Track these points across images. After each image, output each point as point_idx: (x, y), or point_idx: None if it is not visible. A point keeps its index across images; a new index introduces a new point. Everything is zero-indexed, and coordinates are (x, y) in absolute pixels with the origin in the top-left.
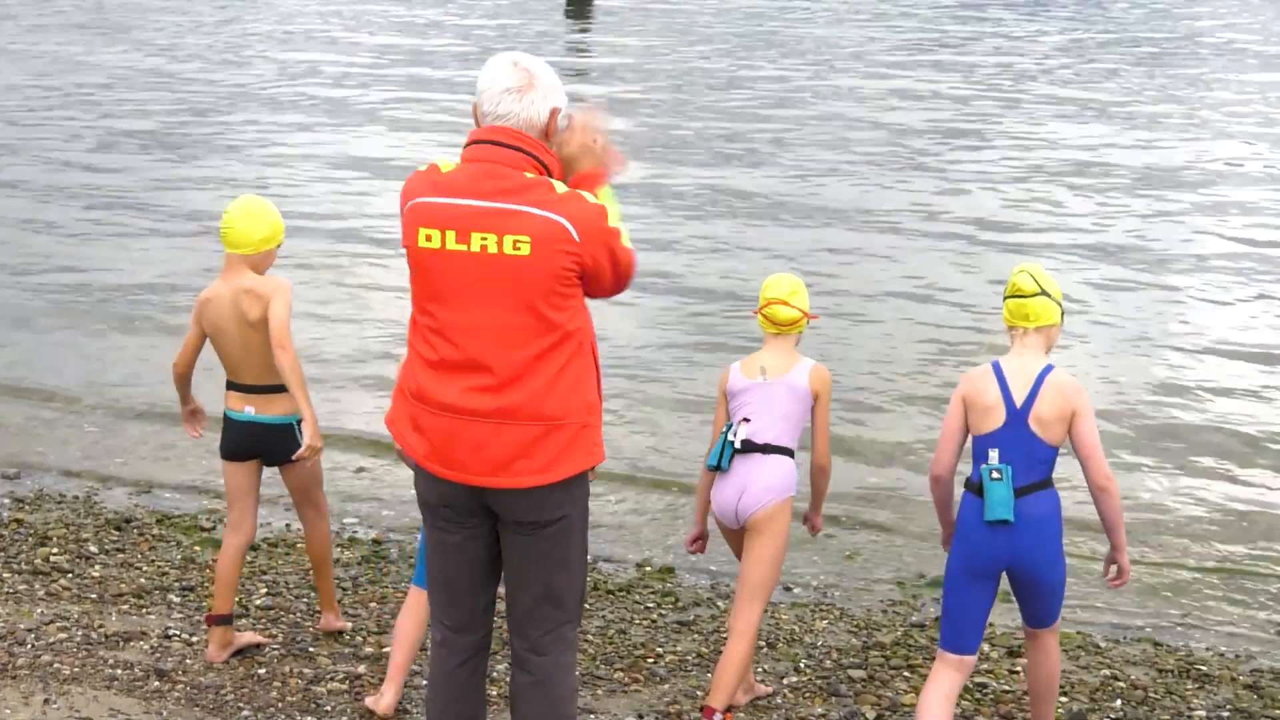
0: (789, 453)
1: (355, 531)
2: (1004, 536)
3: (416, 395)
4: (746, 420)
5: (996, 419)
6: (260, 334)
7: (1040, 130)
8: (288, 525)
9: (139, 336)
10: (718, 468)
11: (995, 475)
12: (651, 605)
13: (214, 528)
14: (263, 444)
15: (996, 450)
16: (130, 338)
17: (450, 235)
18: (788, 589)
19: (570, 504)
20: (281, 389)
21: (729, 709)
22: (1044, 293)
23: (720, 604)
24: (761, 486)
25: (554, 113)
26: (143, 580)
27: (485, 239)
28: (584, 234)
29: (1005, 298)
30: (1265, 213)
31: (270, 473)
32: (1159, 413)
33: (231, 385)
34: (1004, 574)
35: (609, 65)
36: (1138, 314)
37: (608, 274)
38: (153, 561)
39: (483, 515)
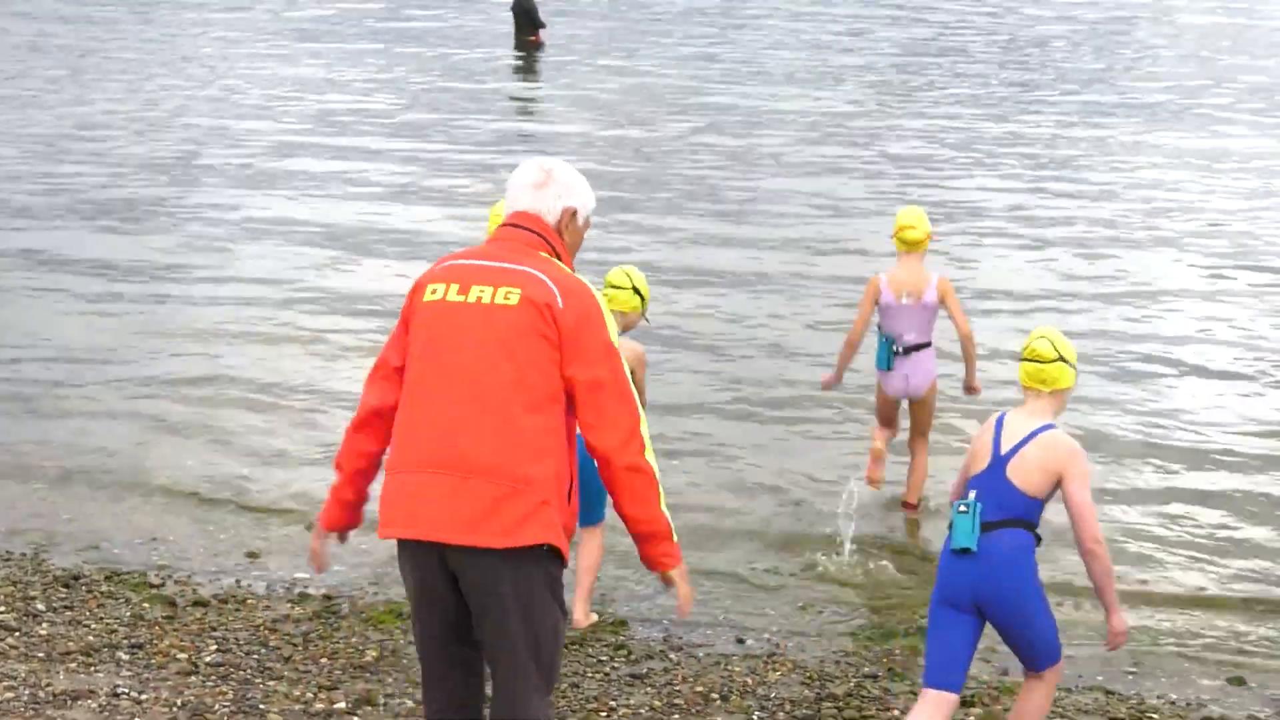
0: (928, 345)
1: (306, 587)
2: (969, 566)
3: (394, 465)
4: (904, 332)
5: (982, 463)
6: None
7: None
8: (237, 581)
9: (85, 396)
10: (887, 367)
11: (962, 509)
12: (604, 658)
13: (163, 584)
14: None
15: (975, 491)
16: (76, 398)
17: (454, 288)
18: (740, 640)
19: (534, 572)
20: None
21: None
22: (1061, 359)
23: (673, 656)
24: (921, 376)
25: (566, 211)
26: (91, 638)
27: (482, 291)
28: (568, 301)
29: (1022, 359)
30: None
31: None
32: (1115, 465)
33: None
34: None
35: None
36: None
37: (589, 349)
38: (101, 619)
39: (450, 588)
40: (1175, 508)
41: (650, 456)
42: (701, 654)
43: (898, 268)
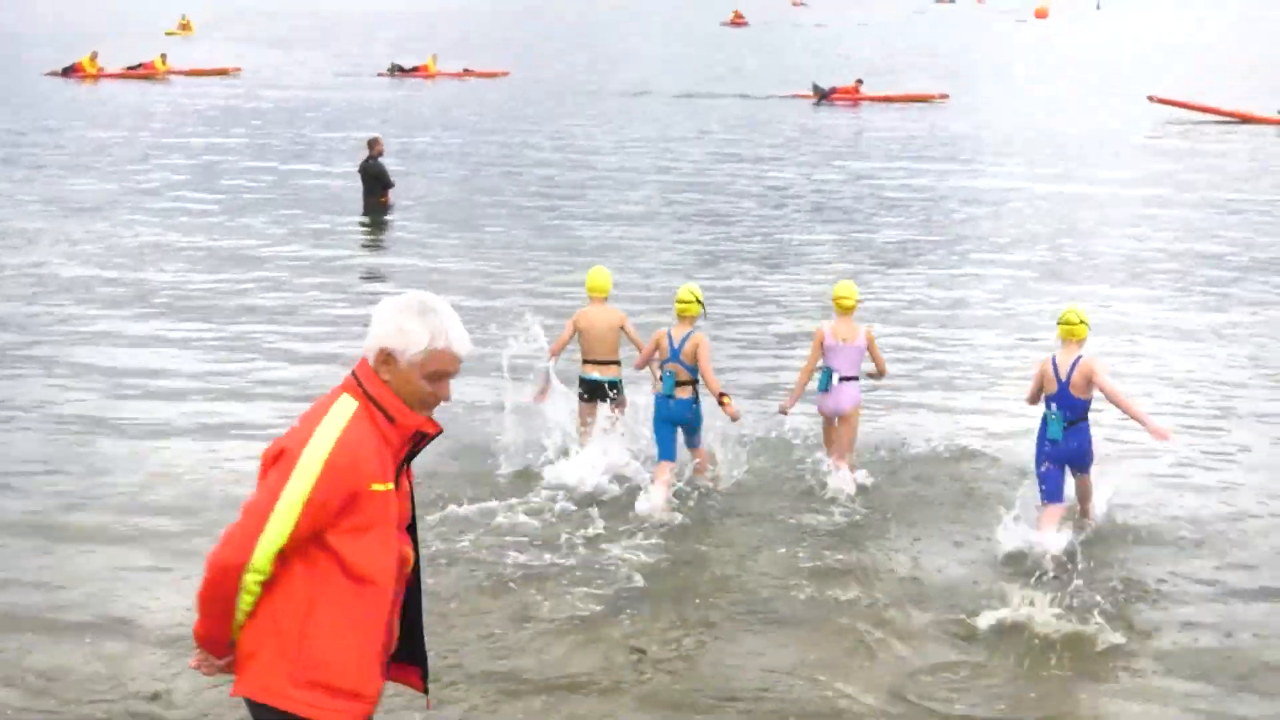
0: (856, 378)
1: None
2: (1062, 447)
3: None
4: (840, 367)
5: (1052, 387)
6: (616, 333)
7: None
8: None
9: None
10: (825, 390)
11: (1053, 416)
12: None
13: None
14: (598, 391)
15: (1054, 404)
16: None
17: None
18: None
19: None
20: (612, 362)
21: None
22: (1082, 321)
23: None
24: (849, 400)
25: (380, 353)
26: None
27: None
28: (285, 442)
29: (1059, 323)
30: None
31: None
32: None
33: (586, 361)
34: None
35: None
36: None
37: (273, 474)
38: None
39: None
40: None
41: (250, 579)
42: None
43: (837, 322)
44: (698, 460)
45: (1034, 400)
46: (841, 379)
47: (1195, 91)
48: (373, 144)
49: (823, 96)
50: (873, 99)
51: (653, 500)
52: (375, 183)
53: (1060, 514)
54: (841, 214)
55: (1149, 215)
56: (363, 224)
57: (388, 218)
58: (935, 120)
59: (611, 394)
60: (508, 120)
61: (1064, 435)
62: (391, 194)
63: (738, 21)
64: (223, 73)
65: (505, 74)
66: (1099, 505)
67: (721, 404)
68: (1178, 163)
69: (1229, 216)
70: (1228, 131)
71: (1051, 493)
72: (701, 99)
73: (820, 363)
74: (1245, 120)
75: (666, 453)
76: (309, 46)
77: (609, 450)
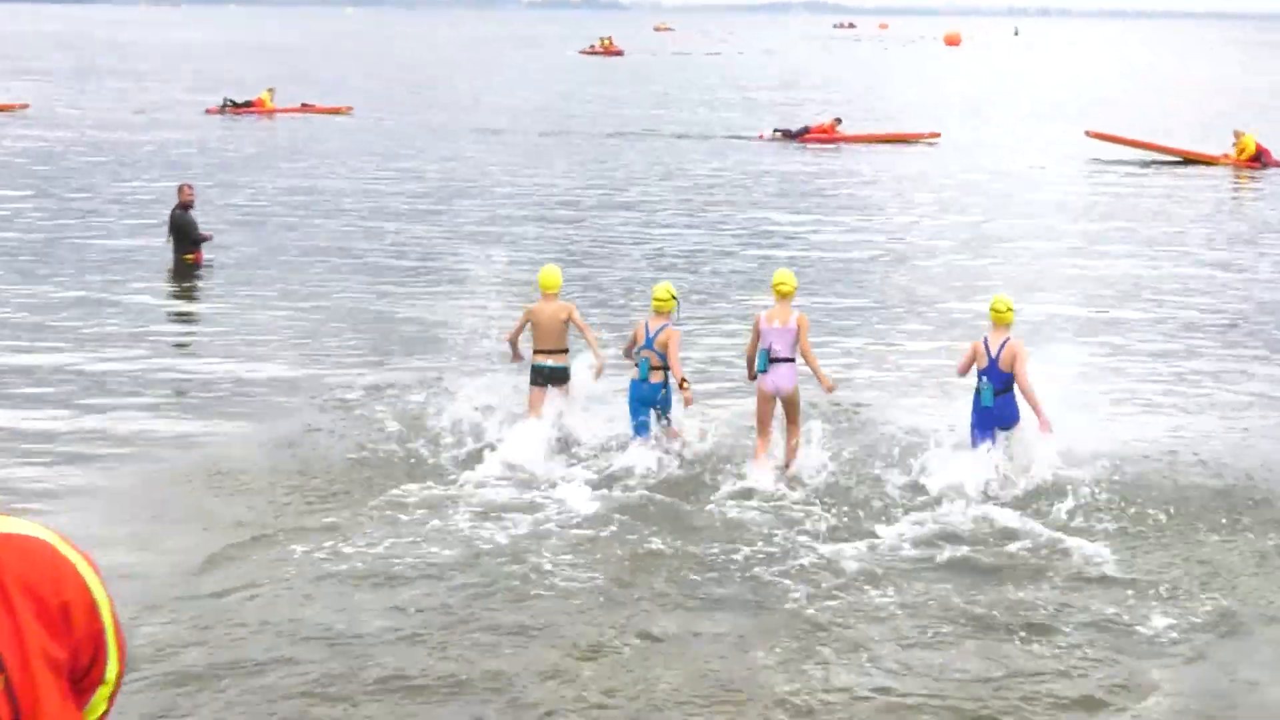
0: (792, 360)
1: None
2: (991, 413)
3: None
4: (775, 347)
5: (983, 362)
6: (563, 324)
7: None
8: None
9: None
10: (764, 370)
11: (985, 386)
12: None
13: None
14: (551, 377)
15: (985, 377)
16: None
17: None
18: None
19: None
20: (561, 350)
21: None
22: (1010, 309)
23: None
24: (785, 379)
25: None
26: None
27: None
28: None
29: (991, 309)
30: None
31: None
32: None
33: (538, 350)
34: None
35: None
36: None
37: None
38: None
39: None
40: None
41: None
42: None
43: (774, 307)
44: (670, 431)
45: (963, 371)
46: (776, 359)
47: (1129, 124)
48: (181, 191)
49: (792, 136)
50: (854, 139)
51: (635, 456)
52: (184, 237)
53: (987, 449)
54: (743, 269)
55: (1087, 261)
56: (170, 286)
57: (198, 276)
58: (909, 161)
59: (560, 380)
60: (347, 161)
61: (994, 402)
62: (205, 249)
63: (610, 50)
64: (8, 109)
65: (349, 110)
66: (1036, 461)
67: (680, 388)
68: (1114, 207)
69: (1169, 265)
70: (1168, 170)
71: (976, 440)
72: (565, 136)
73: (764, 347)
74: (1188, 160)
75: (641, 431)
76: (103, 79)
77: (556, 429)
